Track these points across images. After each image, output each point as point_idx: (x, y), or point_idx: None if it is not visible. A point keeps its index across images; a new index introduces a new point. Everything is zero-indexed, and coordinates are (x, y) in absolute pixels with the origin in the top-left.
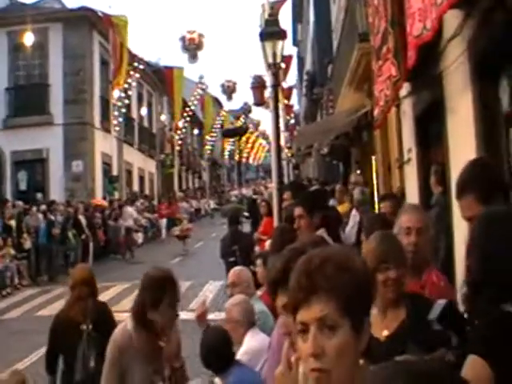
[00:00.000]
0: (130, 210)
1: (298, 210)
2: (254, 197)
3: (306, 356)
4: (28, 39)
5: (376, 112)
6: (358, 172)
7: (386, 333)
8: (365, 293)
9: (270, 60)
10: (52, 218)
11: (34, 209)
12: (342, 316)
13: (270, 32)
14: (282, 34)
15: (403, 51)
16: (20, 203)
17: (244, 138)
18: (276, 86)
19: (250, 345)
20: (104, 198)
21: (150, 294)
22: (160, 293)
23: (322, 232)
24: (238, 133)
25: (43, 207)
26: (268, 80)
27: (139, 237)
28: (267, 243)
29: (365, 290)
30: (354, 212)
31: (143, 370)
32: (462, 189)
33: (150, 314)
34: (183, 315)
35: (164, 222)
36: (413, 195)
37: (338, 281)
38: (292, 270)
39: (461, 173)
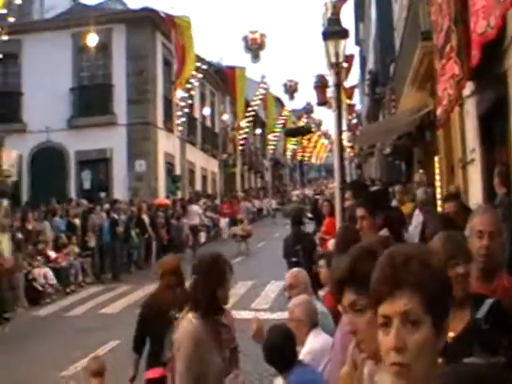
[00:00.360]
0: (195, 208)
1: (360, 211)
2: (317, 197)
3: (387, 349)
4: (91, 40)
5: (439, 111)
6: (421, 171)
7: (451, 334)
8: (447, 292)
9: (333, 59)
10: (115, 216)
11: (98, 208)
12: (425, 312)
13: (333, 31)
14: (344, 33)
15: (466, 50)
16: (84, 202)
17: (306, 138)
18: (338, 85)
19: (312, 345)
20: (167, 198)
21: (216, 275)
22: (223, 271)
23: (384, 232)
24: (301, 132)
25: (106, 206)
26: (330, 79)
27: (202, 236)
28: (330, 243)
29: (447, 288)
30: (417, 212)
31: (216, 358)
32: None
33: (219, 292)
34: (245, 314)
35: (226, 221)
36: (476, 196)
37: (423, 277)
38: (359, 269)
39: None
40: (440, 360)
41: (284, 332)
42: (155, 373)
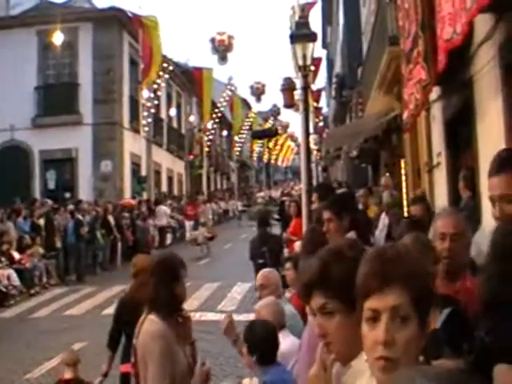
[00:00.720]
0: (163, 208)
1: (326, 213)
2: (284, 198)
3: (374, 343)
4: (57, 38)
5: (405, 115)
6: (387, 175)
7: None
8: (431, 290)
9: (300, 62)
10: (80, 217)
11: (63, 208)
12: (413, 309)
13: (301, 34)
14: (312, 37)
15: (433, 55)
16: (49, 202)
17: (272, 140)
18: (306, 88)
19: (280, 347)
20: (133, 198)
21: (170, 273)
22: (176, 268)
23: (351, 235)
24: (267, 135)
25: (71, 207)
26: (298, 82)
27: (168, 237)
28: (296, 245)
29: (432, 287)
30: (383, 215)
31: (181, 357)
32: (500, 164)
33: (176, 289)
34: (212, 316)
35: (190, 224)
36: (442, 199)
37: (414, 273)
38: (328, 272)
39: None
40: (421, 358)
41: (270, 328)
42: (129, 367)
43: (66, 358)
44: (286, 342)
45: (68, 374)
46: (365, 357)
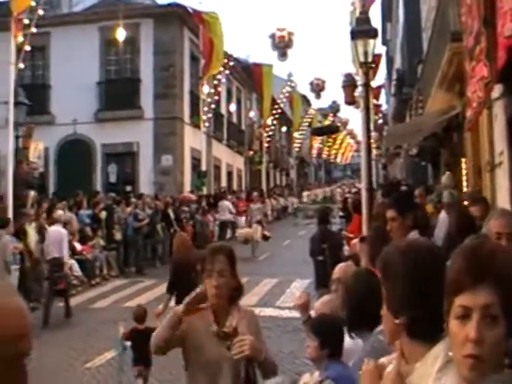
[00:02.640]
0: (226, 203)
1: (390, 212)
2: (347, 196)
3: (463, 341)
4: (119, 34)
5: (468, 113)
6: (448, 173)
7: None
8: None
9: (362, 59)
10: (137, 211)
11: (124, 202)
12: (502, 309)
13: (362, 30)
14: (373, 33)
15: (495, 52)
16: (112, 195)
17: (332, 137)
18: (367, 85)
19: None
20: (191, 192)
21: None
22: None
23: (414, 234)
24: (328, 131)
25: (133, 200)
26: (358, 79)
27: (228, 232)
28: (353, 243)
29: None
30: (443, 214)
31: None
32: None
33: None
34: (271, 312)
35: (243, 219)
36: (504, 199)
37: (506, 273)
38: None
39: None
40: (507, 360)
41: (338, 321)
42: None
43: (135, 313)
44: (347, 339)
45: (140, 327)
46: (430, 360)
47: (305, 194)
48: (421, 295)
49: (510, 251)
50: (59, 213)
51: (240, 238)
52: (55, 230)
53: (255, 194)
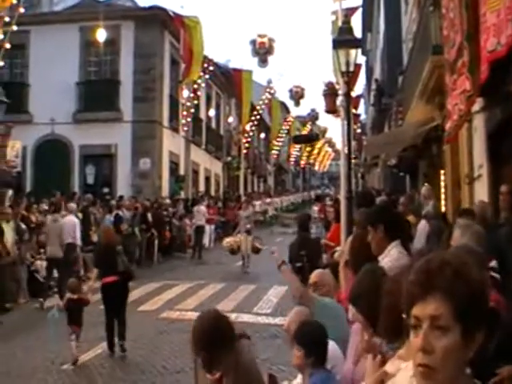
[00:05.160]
0: (202, 209)
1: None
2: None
3: (416, 350)
4: (100, 35)
5: (448, 126)
6: (427, 185)
7: None
8: (479, 304)
9: (343, 68)
10: (120, 213)
11: (99, 203)
12: (454, 320)
13: (344, 40)
14: (356, 43)
15: (477, 66)
16: (90, 196)
17: (310, 145)
18: (348, 94)
19: None
20: (171, 197)
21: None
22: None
23: (396, 244)
24: (309, 139)
25: (112, 202)
26: (339, 88)
27: (205, 238)
28: (337, 252)
29: (480, 299)
30: (423, 225)
31: None
32: None
33: None
34: (248, 318)
35: (211, 227)
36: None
37: (455, 285)
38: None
39: None
40: (468, 370)
41: (323, 329)
42: (110, 279)
43: (70, 285)
44: (330, 344)
45: (74, 296)
46: (409, 372)
47: (257, 203)
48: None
49: (460, 263)
50: (72, 205)
51: (226, 246)
52: (69, 220)
53: (244, 198)
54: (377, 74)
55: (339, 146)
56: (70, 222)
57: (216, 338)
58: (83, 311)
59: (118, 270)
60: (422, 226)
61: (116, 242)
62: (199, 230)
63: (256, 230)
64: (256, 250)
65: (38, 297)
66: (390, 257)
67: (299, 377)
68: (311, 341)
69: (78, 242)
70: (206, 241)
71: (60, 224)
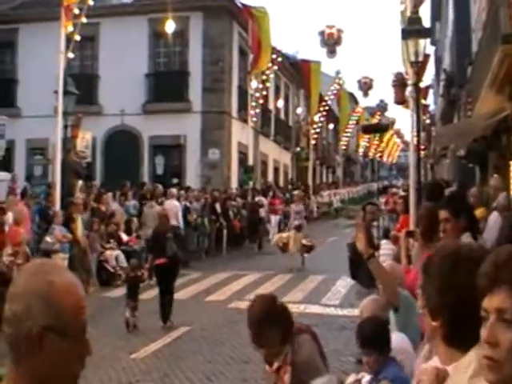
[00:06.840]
0: (263, 200)
1: (443, 213)
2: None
3: (482, 342)
4: (169, 27)
5: None
6: (496, 176)
7: None
8: None
9: (412, 58)
10: (188, 204)
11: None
12: None
13: (413, 30)
14: (425, 33)
15: None
16: (160, 187)
17: (378, 136)
18: (417, 84)
19: None
20: (241, 187)
21: None
22: None
23: (467, 236)
24: (378, 130)
25: (181, 192)
26: (408, 78)
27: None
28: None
29: None
30: (495, 217)
31: None
32: None
33: None
34: (316, 309)
35: (276, 218)
36: None
37: None
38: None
39: None
40: None
41: (382, 322)
42: (160, 261)
43: (132, 264)
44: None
45: (133, 274)
46: (463, 367)
47: (325, 193)
48: (456, 301)
49: None
50: (173, 190)
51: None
52: (170, 203)
53: (296, 192)
54: (446, 64)
55: (408, 136)
56: (171, 205)
57: (263, 319)
58: (139, 287)
59: (167, 254)
60: (494, 218)
61: (167, 230)
62: (260, 221)
63: (321, 222)
64: (307, 250)
65: (106, 286)
66: None
67: (361, 374)
68: (380, 339)
69: (181, 224)
70: (270, 232)
71: (155, 210)
